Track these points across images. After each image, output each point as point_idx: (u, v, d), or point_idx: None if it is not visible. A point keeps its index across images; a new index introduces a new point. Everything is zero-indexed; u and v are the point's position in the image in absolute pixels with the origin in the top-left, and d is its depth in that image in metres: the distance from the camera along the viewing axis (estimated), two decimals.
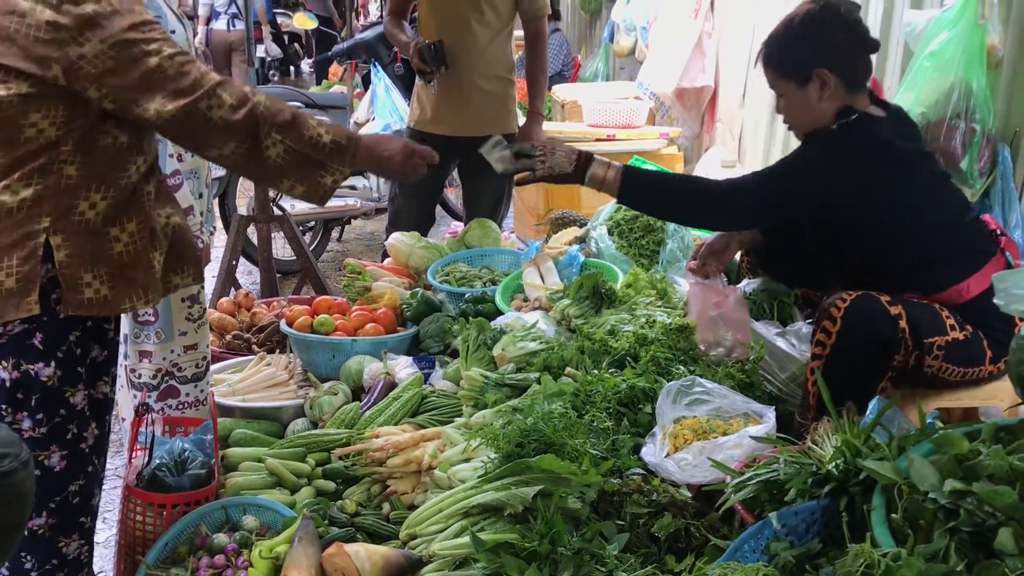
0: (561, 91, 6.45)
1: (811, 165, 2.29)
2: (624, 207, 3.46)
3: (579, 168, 2.36)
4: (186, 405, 2.72)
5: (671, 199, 2.43)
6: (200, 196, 2.72)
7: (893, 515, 1.43)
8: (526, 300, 3.16)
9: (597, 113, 5.39)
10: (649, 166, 4.39)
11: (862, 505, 1.52)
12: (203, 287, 2.58)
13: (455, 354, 2.92)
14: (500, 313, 3.08)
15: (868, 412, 1.82)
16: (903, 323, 2.11)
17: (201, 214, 2.69)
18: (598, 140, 5.19)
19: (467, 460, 2.23)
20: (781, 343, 2.49)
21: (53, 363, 1.90)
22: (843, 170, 2.22)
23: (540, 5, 3.76)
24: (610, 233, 3.44)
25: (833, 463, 1.62)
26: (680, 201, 2.42)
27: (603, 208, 3.59)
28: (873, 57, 2.43)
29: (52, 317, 1.88)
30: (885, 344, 2.11)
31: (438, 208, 5.69)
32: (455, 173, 4.51)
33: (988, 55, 2.93)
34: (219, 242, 4.46)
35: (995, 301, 1.58)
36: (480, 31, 3.67)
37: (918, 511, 1.39)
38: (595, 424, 2.21)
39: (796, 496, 1.61)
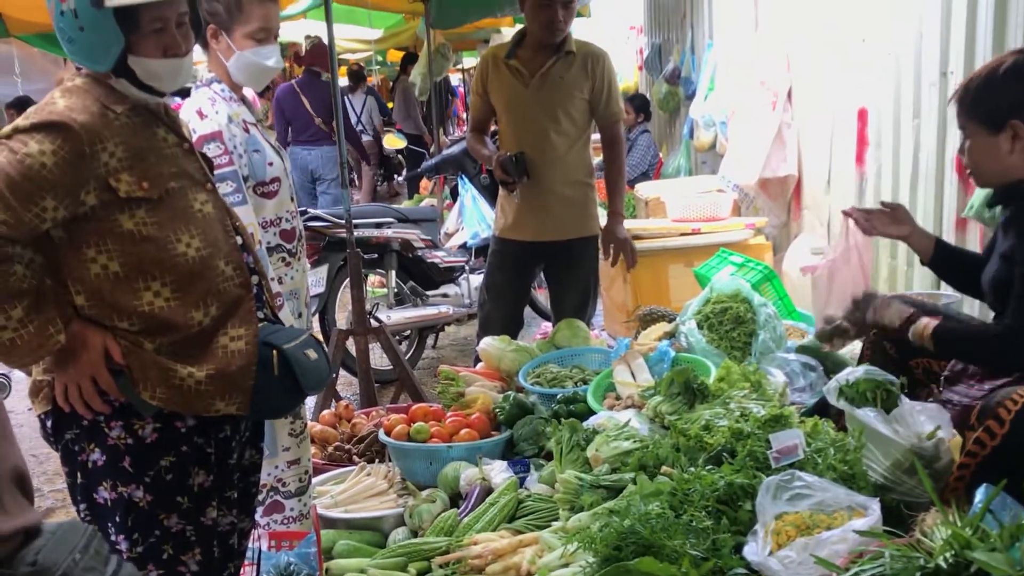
0: (644, 188, 6.55)
1: None
2: (712, 302, 3.47)
3: (904, 325, 2.42)
4: (291, 520, 2.80)
5: (971, 352, 2.38)
6: (299, 315, 2.85)
7: None
8: (618, 398, 3.16)
9: (681, 208, 5.45)
10: (736, 257, 4.41)
11: None
12: (303, 403, 2.67)
13: (549, 456, 2.93)
14: (592, 413, 3.08)
15: (976, 501, 1.75)
16: None
17: (307, 330, 2.81)
18: (683, 235, 5.23)
19: (566, 565, 2.22)
20: (884, 429, 2.41)
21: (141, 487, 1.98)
22: None
23: (615, 111, 3.87)
24: (699, 327, 3.44)
25: (941, 556, 1.56)
26: (980, 353, 2.36)
27: (691, 302, 3.60)
28: None
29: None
30: None
31: (529, 311, 5.79)
32: (543, 275, 4.59)
33: None
34: None
35: None
36: (558, 140, 3.80)
37: None
38: (694, 523, 2.17)
39: None
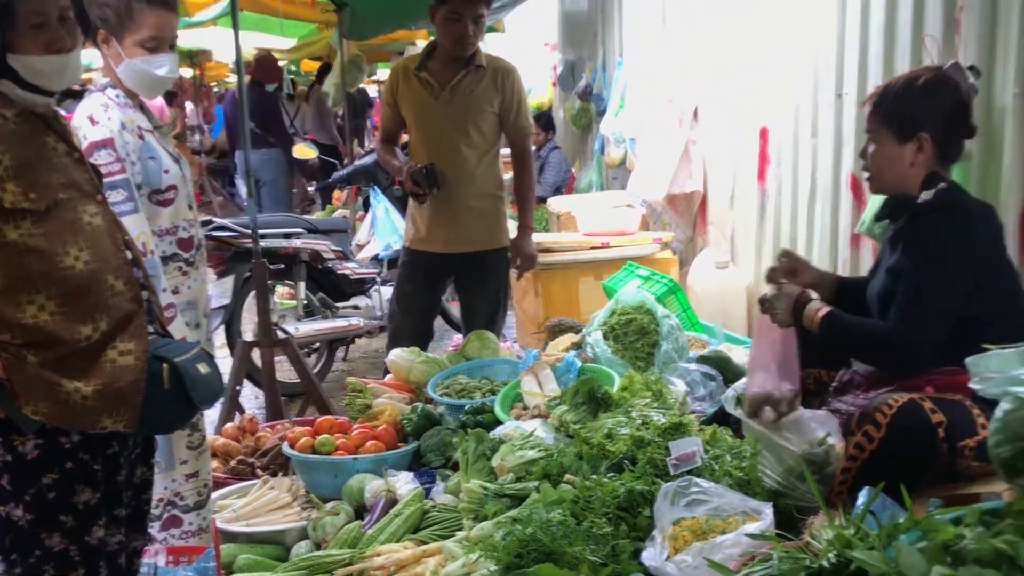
0: (556, 203, 6.62)
1: (949, 259, 2.26)
2: (617, 313, 3.54)
3: (795, 317, 2.44)
4: (189, 534, 2.73)
5: (856, 346, 2.45)
6: (197, 326, 2.79)
7: None
8: (525, 408, 3.19)
9: (591, 222, 5.54)
10: (643, 271, 4.50)
11: None
12: (201, 415, 2.62)
13: (456, 467, 2.93)
14: (500, 423, 3.10)
15: (858, 503, 1.82)
16: (942, 431, 2.12)
17: (198, 343, 2.75)
18: (593, 248, 5.31)
19: (468, 574, 2.22)
20: (777, 437, 2.49)
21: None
22: (975, 235, 2.27)
23: (524, 125, 3.92)
24: (605, 338, 3.49)
25: (826, 556, 1.62)
26: (863, 350, 2.45)
27: (597, 314, 3.65)
28: None
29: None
30: (924, 455, 2.13)
31: (442, 323, 5.79)
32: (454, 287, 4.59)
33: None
34: (225, 368, 4.52)
35: (971, 385, 1.61)
36: (468, 153, 3.82)
37: None
38: (594, 530, 2.21)
39: None
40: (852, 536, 1.63)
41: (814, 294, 2.46)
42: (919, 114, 2.33)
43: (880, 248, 2.63)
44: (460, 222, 3.86)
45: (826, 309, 2.40)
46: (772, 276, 2.67)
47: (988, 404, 2.14)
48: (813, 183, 4.27)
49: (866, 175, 2.50)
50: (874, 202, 3.19)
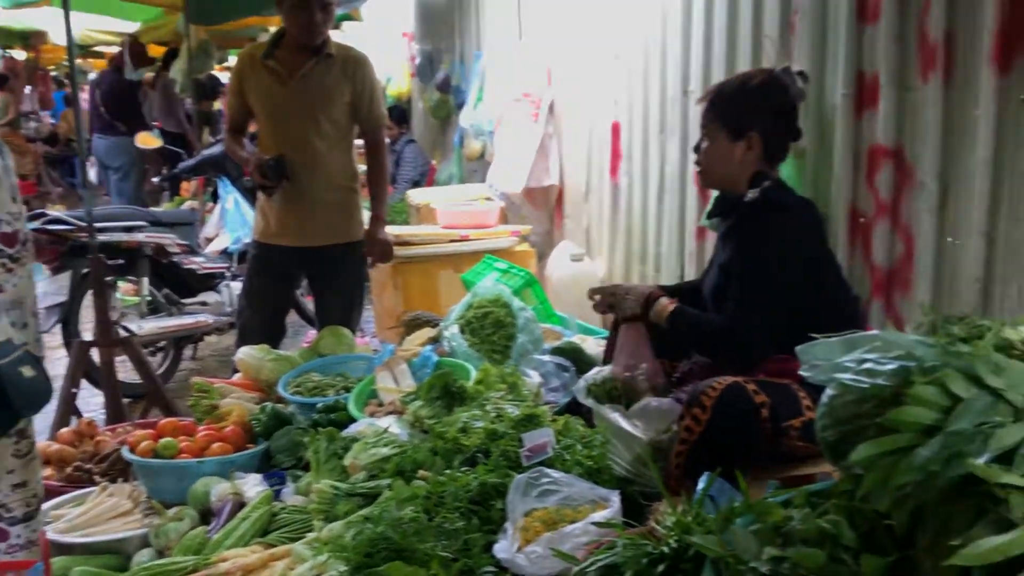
0: (415, 195, 6.57)
1: (774, 255, 2.36)
2: (474, 307, 3.54)
3: (645, 309, 2.54)
4: (16, 548, 2.54)
5: (697, 339, 2.54)
6: (24, 326, 2.60)
7: None
8: (380, 405, 3.14)
9: (450, 215, 5.51)
10: (501, 264, 4.52)
11: None
12: (31, 420, 2.45)
13: (308, 467, 2.86)
14: (354, 421, 3.04)
15: (698, 488, 1.88)
16: (766, 411, 2.21)
17: (23, 345, 2.57)
18: (452, 241, 5.30)
19: None
20: (626, 425, 2.54)
21: None
22: (797, 231, 2.37)
23: (378, 115, 3.86)
24: (462, 331, 3.48)
25: (667, 542, 1.66)
26: (700, 346, 2.56)
27: (454, 307, 3.64)
28: None
29: None
30: (749, 434, 2.21)
31: (297, 319, 5.65)
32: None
33: (794, 147, 3.18)
34: (62, 369, 4.27)
35: (800, 372, 1.67)
36: (319, 144, 3.73)
37: None
38: (446, 525, 2.19)
39: None
40: (691, 521, 1.68)
41: (665, 298, 2.55)
42: (751, 114, 2.43)
43: (716, 242, 2.72)
44: (311, 215, 3.76)
45: (674, 304, 2.48)
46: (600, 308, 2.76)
47: (816, 388, 2.25)
48: (662, 178, 4.40)
49: (697, 169, 2.58)
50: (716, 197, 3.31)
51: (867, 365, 1.47)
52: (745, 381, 2.21)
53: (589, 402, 2.71)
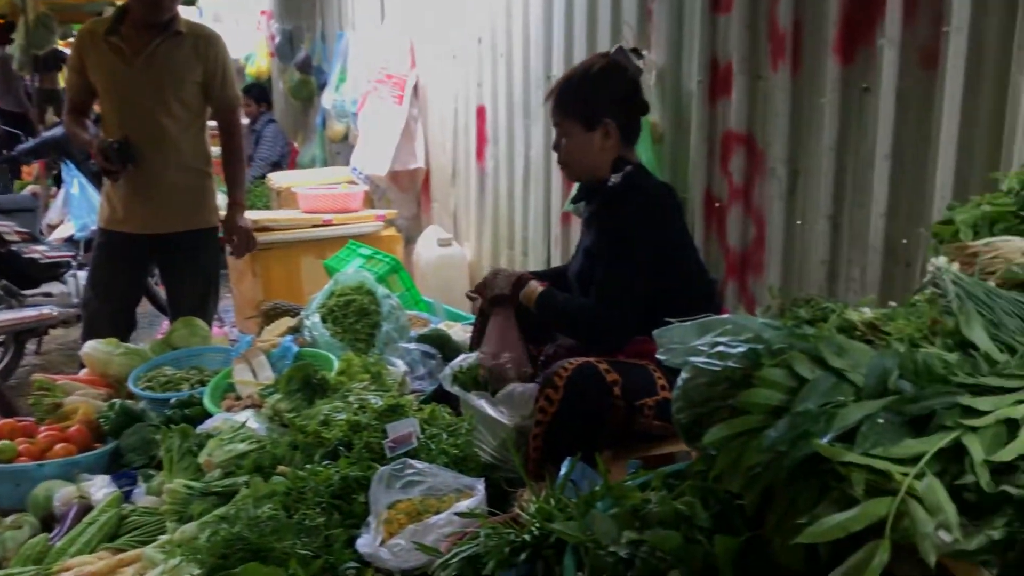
0: (276, 178, 6.38)
1: (637, 238, 2.36)
2: (336, 295, 3.46)
3: (515, 290, 2.54)
4: None
5: (564, 322, 2.51)
6: None
7: (581, 573, 1.47)
8: (238, 399, 3.03)
9: (312, 199, 5.37)
10: (365, 249, 4.44)
11: (556, 567, 1.56)
12: None
13: (161, 466, 2.72)
14: (210, 416, 2.92)
15: (561, 473, 1.88)
16: (618, 390, 2.22)
17: None
18: (315, 226, 5.16)
19: None
20: (492, 411, 2.53)
21: None
22: (658, 215, 2.38)
23: (231, 96, 3.70)
24: (324, 320, 3.39)
25: (529, 529, 1.65)
26: (568, 329, 2.53)
27: (315, 296, 3.54)
28: None
29: None
30: (601, 411, 2.22)
31: (153, 309, 5.39)
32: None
33: (652, 130, 3.24)
34: None
35: (657, 355, 1.69)
36: (169, 125, 3.54)
37: (602, 566, 1.44)
38: (306, 522, 2.13)
39: (496, 568, 1.62)
40: (553, 507, 1.68)
41: (534, 281, 2.54)
42: (600, 102, 2.44)
43: (581, 227, 2.74)
44: (161, 200, 3.58)
45: (542, 287, 2.49)
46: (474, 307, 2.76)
47: (672, 369, 2.30)
48: (527, 162, 4.41)
49: (562, 167, 2.59)
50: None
51: (719, 348, 1.49)
52: (597, 361, 2.24)
53: (455, 390, 2.68)
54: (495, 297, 2.62)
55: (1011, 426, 1.13)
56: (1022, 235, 1.60)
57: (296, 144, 8.56)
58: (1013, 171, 1.73)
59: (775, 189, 2.69)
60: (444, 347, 3.32)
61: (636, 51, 2.59)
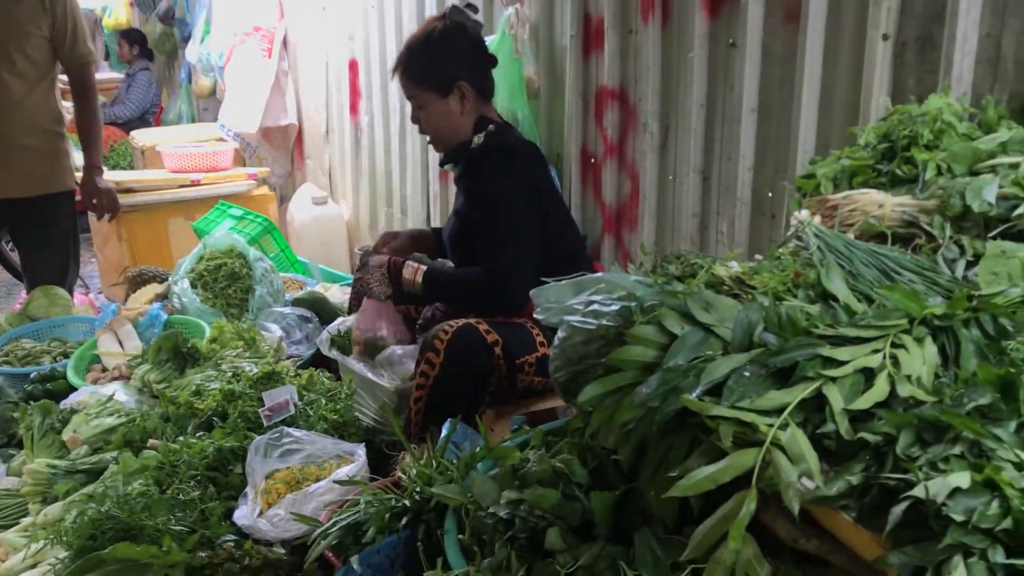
0: (140, 136, 6.07)
1: (509, 196, 2.32)
2: (205, 259, 3.33)
3: (395, 282, 2.44)
4: None
5: (461, 295, 2.41)
6: None
7: (462, 535, 1.47)
8: (104, 371, 2.89)
9: (178, 158, 5.14)
10: (236, 210, 4.28)
11: (438, 530, 1.56)
12: None
13: (23, 445, 2.58)
14: (74, 390, 2.78)
15: (441, 435, 1.88)
16: (499, 349, 2.22)
17: None
18: (182, 186, 4.95)
19: (34, 566, 1.97)
20: (371, 375, 2.50)
21: None
22: (523, 172, 2.34)
23: (83, 52, 3.47)
24: (193, 286, 3.27)
25: (410, 494, 1.64)
26: (460, 302, 2.42)
27: (183, 260, 3.40)
28: None
29: None
30: (484, 372, 2.21)
31: (10, 278, 5.08)
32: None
33: (528, 86, 3.22)
34: None
35: (535, 316, 1.69)
36: (14, 83, 3.30)
37: (482, 527, 1.45)
38: (180, 496, 2.06)
39: (376, 534, 1.61)
40: (434, 471, 1.67)
41: (409, 261, 2.47)
42: (449, 66, 2.39)
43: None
44: (8, 163, 3.34)
45: (422, 268, 2.43)
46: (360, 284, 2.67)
47: (549, 327, 2.31)
48: (403, 119, 4.33)
49: (428, 139, 2.54)
50: None
51: (593, 307, 1.50)
52: (477, 322, 2.23)
53: (333, 353, 2.63)
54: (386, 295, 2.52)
55: (868, 375, 1.18)
56: (879, 188, 1.66)
57: (162, 101, 8.17)
58: (870, 126, 1.79)
59: (648, 144, 2.72)
60: (321, 310, 3.25)
61: (470, 6, 2.55)
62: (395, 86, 4.33)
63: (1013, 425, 1.03)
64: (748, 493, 1.08)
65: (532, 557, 1.38)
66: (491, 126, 2.41)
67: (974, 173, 1.54)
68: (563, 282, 1.65)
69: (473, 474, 1.54)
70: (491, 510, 1.44)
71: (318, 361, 2.85)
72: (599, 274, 1.61)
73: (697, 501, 1.22)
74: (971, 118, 1.68)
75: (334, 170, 5.28)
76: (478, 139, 2.39)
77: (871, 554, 1.02)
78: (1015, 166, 1.48)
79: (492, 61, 2.51)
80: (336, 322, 2.81)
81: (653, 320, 1.37)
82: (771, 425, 1.12)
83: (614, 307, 1.47)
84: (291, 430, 2.21)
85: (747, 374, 1.23)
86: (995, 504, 0.92)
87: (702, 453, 1.20)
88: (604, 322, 1.47)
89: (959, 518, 0.92)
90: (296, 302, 3.29)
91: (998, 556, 0.90)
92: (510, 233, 2.34)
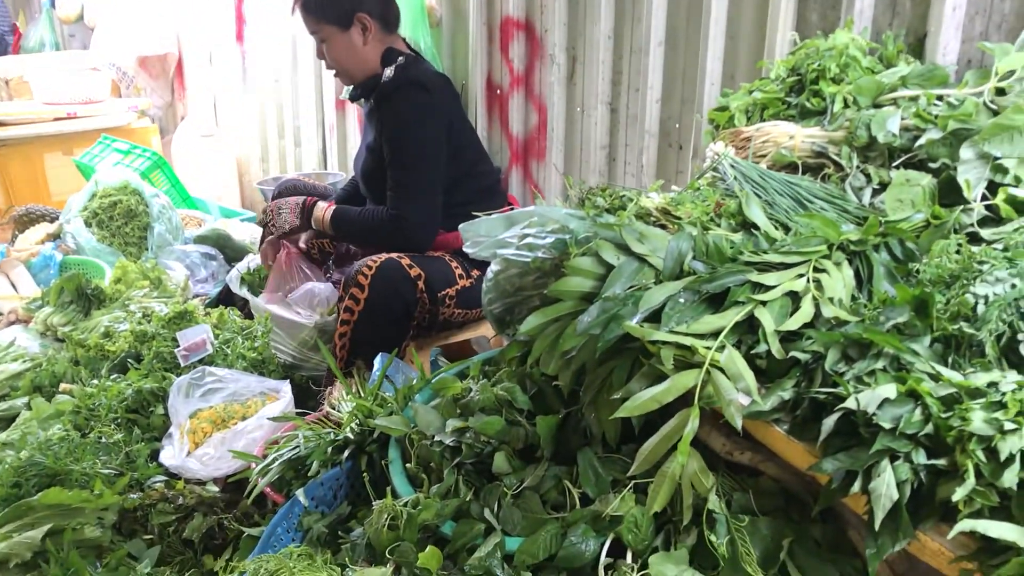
0: (3, 65, 5.69)
1: (419, 135, 2.30)
2: (98, 196, 3.21)
3: (305, 218, 2.42)
4: None
5: (367, 237, 2.39)
6: None
7: (408, 464, 1.52)
8: (0, 315, 2.78)
9: (51, 90, 4.85)
10: (121, 144, 4.11)
11: (381, 461, 1.60)
12: None
13: None
14: None
15: (375, 369, 1.91)
16: (421, 283, 2.24)
17: None
18: (57, 119, 4.69)
19: None
20: (286, 313, 2.50)
21: None
22: (437, 106, 2.32)
23: None
24: (87, 225, 3.15)
25: (349, 427, 1.68)
26: (366, 241, 2.42)
27: (75, 198, 3.27)
28: None
29: None
30: (408, 306, 2.24)
31: None
32: None
33: (429, 15, 3.18)
34: None
35: (464, 249, 1.72)
36: None
37: (428, 455, 1.50)
38: (103, 440, 2.03)
39: (319, 467, 1.64)
40: (372, 404, 1.71)
41: (321, 201, 2.45)
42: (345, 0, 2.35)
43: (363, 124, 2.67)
44: None
45: (332, 208, 2.41)
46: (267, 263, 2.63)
47: (466, 257, 2.36)
48: (295, 44, 4.21)
49: (334, 73, 2.50)
50: None
51: (527, 240, 1.55)
52: (399, 256, 2.25)
53: (244, 292, 2.61)
54: (284, 233, 2.50)
55: (794, 298, 1.27)
56: (789, 120, 1.75)
57: (19, 25, 7.62)
58: (779, 59, 1.87)
59: (555, 75, 2.75)
60: (225, 247, 3.19)
61: None
62: (284, 10, 4.21)
63: (928, 340, 1.14)
64: (692, 411, 1.16)
65: (479, 481, 1.45)
66: (400, 58, 2.39)
67: (877, 106, 1.65)
68: (493, 216, 1.69)
69: (415, 405, 1.58)
70: (437, 439, 1.49)
71: (225, 299, 2.81)
72: (530, 208, 1.66)
73: (639, 421, 1.30)
74: (872, 52, 1.79)
75: (219, 101, 5.09)
76: (388, 72, 2.36)
77: (804, 463, 1.12)
78: (915, 99, 1.59)
79: None
80: (245, 260, 2.78)
81: (589, 251, 1.43)
82: (709, 347, 1.21)
83: (549, 240, 1.52)
84: (212, 369, 2.20)
85: (682, 300, 1.31)
86: (918, 412, 1.03)
87: (643, 376, 1.28)
88: (540, 254, 1.52)
89: (887, 425, 1.03)
90: (198, 240, 3.21)
91: (920, 458, 1.01)
92: (416, 178, 2.33)
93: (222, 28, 4.84)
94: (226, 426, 2.06)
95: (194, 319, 2.47)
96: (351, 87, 2.54)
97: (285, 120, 4.45)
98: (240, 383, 2.20)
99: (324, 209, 2.41)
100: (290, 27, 4.18)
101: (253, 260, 2.72)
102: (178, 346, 2.32)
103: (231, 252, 3.12)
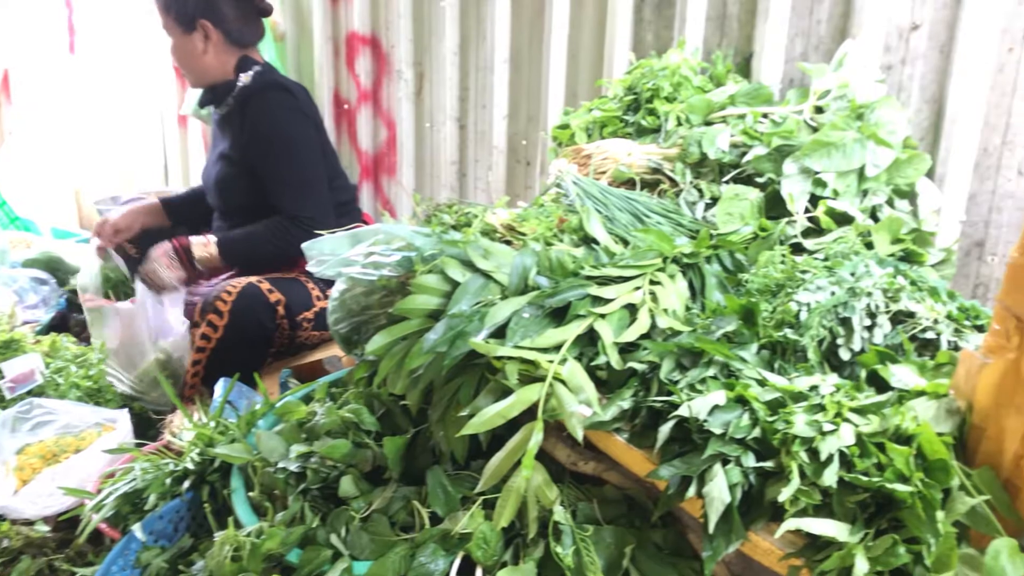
0: None
1: (296, 135, 2.25)
2: None
3: (188, 264, 2.27)
4: None
5: (264, 251, 2.27)
6: None
7: (252, 493, 1.47)
8: None
9: None
10: None
11: (223, 490, 1.54)
12: None
13: None
14: None
15: (216, 396, 1.84)
16: (281, 308, 2.17)
17: None
18: None
19: None
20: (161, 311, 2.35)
21: None
22: (302, 108, 2.27)
23: None
24: None
25: (189, 456, 1.61)
26: (264, 255, 2.29)
27: None
28: None
29: None
30: (268, 332, 2.17)
31: None
32: None
33: (273, 30, 3.12)
34: None
35: (308, 268, 1.68)
36: None
37: (273, 482, 1.45)
38: None
39: (157, 500, 1.56)
40: (213, 431, 1.64)
41: (192, 238, 2.32)
42: (193, 3, 2.28)
43: (211, 131, 2.58)
44: None
45: (212, 239, 2.30)
46: (102, 254, 2.50)
47: (323, 279, 2.30)
48: (132, 60, 4.04)
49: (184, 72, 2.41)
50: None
51: (373, 258, 1.53)
52: (259, 281, 2.18)
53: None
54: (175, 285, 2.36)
55: (632, 310, 1.31)
56: (627, 137, 1.81)
57: None
58: (616, 78, 1.93)
59: (403, 91, 2.75)
60: (57, 270, 3.01)
61: None
62: (117, 20, 4.04)
63: (755, 347, 1.20)
64: (535, 424, 1.18)
65: (326, 506, 1.41)
66: (257, 66, 2.33)
67: (708, 123, 1.72)
68: (338, 234, 1.67)
69: (257, 431, 1.53)
70: (280, 465, 1.45)
71: (59, 324, 2.66)
72: (376, 225, 1.64)
73: (486, 437, 1.31)
74: (703, 72, 1.87)
75: (51, 116, 4.81)
76: (245, 78, 2.29)
77: (643, 469, 1.15)
78: (742, 116, 1.67)
79: (263, 9, 2.39)
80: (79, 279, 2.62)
81: (435, 269, 1.43)
82: (551, 361, 1.22)
83: (394, 257, 1.51)
84: (41, 400, 2.07)
85: (526, 315, 1.32)
86: (745, 417, 1.07)
87: (489, 391, 1.28)
88: (385, 272, 1.51)
89: (717, 431, 1.06)
90: (27, 263, 3.02)
91: (750, 461, 1.05)
92: (305, 175, 2.27)
93: (54, 40, 4.58)
94: (58, 460, 1.93)
95: (22, 348, 2.31)
96: (198, 100, 2.46)
97: (123, 136, 4.26)
98: (73, 414, 2.07)
99: (204, 245, 2.27)
100: (126, 39, 4.01)
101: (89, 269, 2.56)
102: (3, 378, 2.17)
103: (63, 275, 2.94)
